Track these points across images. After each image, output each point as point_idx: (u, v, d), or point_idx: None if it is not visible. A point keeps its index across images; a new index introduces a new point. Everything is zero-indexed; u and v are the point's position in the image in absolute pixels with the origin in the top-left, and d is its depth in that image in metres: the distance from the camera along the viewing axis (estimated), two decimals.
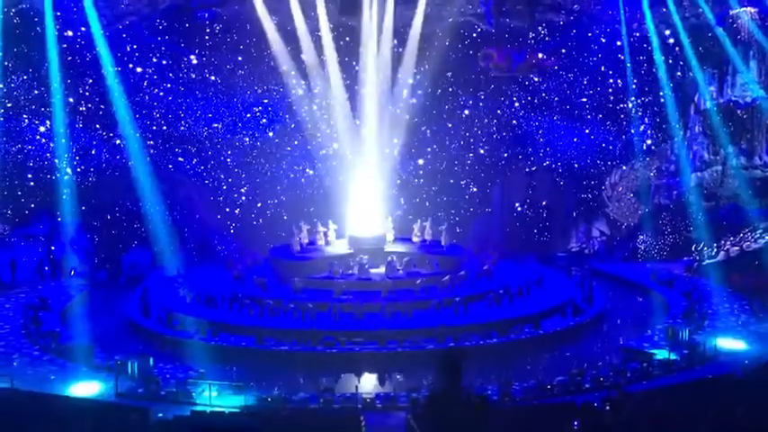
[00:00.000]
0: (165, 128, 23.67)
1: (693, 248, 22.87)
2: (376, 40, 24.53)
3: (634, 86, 24.35)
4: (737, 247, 22.20)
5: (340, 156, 24.97)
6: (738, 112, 24.56)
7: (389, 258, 19.44)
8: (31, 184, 22.18)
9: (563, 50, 24.63)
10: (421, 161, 25.13)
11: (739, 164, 24.44)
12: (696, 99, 24.81)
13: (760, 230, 22.61)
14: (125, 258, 22.81)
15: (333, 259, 19.68)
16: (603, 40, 24.48)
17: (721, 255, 22.30)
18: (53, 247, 22.54)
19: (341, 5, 24.19)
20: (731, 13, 24.29)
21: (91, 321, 17.89)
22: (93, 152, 22.77)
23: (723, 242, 22.63)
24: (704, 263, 21.96)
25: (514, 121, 24.93)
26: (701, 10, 23.74)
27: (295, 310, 16.90)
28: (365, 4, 23.99)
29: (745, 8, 24.27)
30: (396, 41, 24.52)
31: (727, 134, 24.18)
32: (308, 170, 24.83)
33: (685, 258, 22.76)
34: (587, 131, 24.69)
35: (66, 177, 22.06)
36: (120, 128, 22.46)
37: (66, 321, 17.83)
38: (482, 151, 25.05)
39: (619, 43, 24.23)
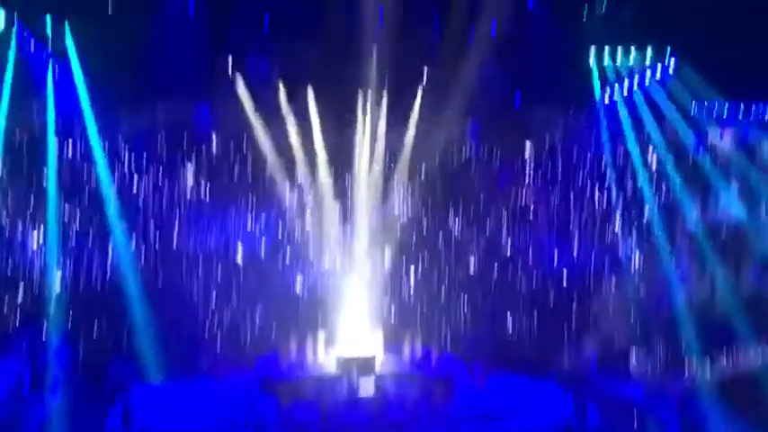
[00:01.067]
0: (157, 241, 23.79)
1: (687, 367, 22.62)
2: (368, 158, 25.44)
3: (619, 206, 24.89)
4: (732, 366, 21.96)
5: (330, 270, 25.20)
6: (723, 231, 25.09)
7: (379, 378, 19.08)
8: (17, 291, 22.13)
9: (549, 169, 25.34)
10: (411, 276, 25.19)
11: (727, 283, 24.63)
12: (681, 219, 25.35)
13: (753, 349, 22.46)
14: (109, 370, 22.25)
15: (321, 378, 19.32)
16: (589, 160, 25.31)
17: (716, 374, 22.02)
18: (35, 359, 22.02)
19: (335, 125, 25.01)
20: (710, 135, 25.37)
21: None
22: (83, 266, 22.81)
23: (717, 361, 22.41)
24: (698, 382, 21.65)
25: (504, 239, 25.22)
26: (681, 132, 24.77)
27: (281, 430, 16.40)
28: (359, 124, 25.12)
29: (723, 130, 25.35)
30: (388, 159, 25.44)
31: (714, 253, 24.58)
32: (297, 286, 24.80)
33: (679, 376, 22.46)
34: (576, 249, 24.99)
35: (53, 288, 22.01)
36: (112, 241, 22.66)
37: None
38: (472, 267, 25.17)
39: (603, 163, 25.01)
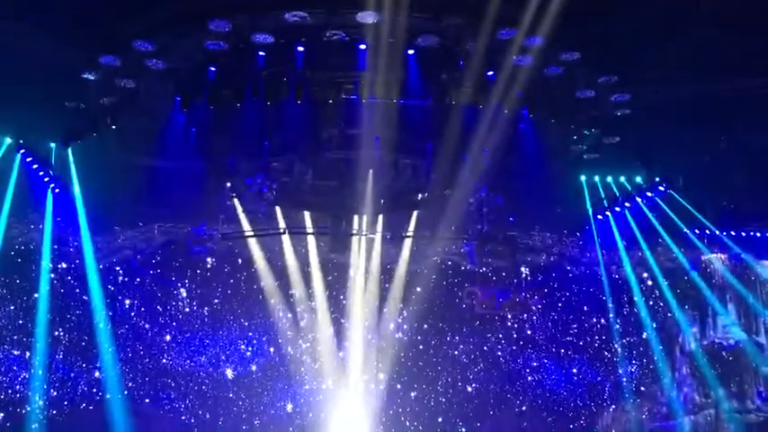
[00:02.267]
0: (146, 360, 23.28)
1: None
2: (363, 276, 25.44)
3: (618, 326, 24.66)
4: None
5: (323, 391, 24.51)
6: (723, 354, 24.76)
7: None
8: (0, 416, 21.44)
9: (545, 290, 25.31)
10: (408, 398, 24.48)
11: (732, 408, 24.01)
12: (680, 340, 25.08)
13: None
14: None
15: None
16: (585, 281, 25.34)
17: None
18: None
19: (331, 243, 25.23)
20: (703, 258, 25.58)
21: None
22: (69, 384, 22.22)
23: None
24: None
25: (502, 360, 24.77)
26: (674, 254, 24.98)
27: None
28: (354, 242, 25.33)
29: (716, 254, 25.59)
30: (383, 278, 25.39)
31: (716, 377, 24.12)
32: (288, 405, 24.07)
33: None
34: (575, 371, 24.51)
35: (36, 410, 21.31)
36: (100, 360, 22.20)
37: None
38: (470, 389, 24.55)
39: (599, 284, 25.00)
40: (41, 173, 21.30)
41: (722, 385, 24.04)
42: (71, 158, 21.88)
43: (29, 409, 21.41)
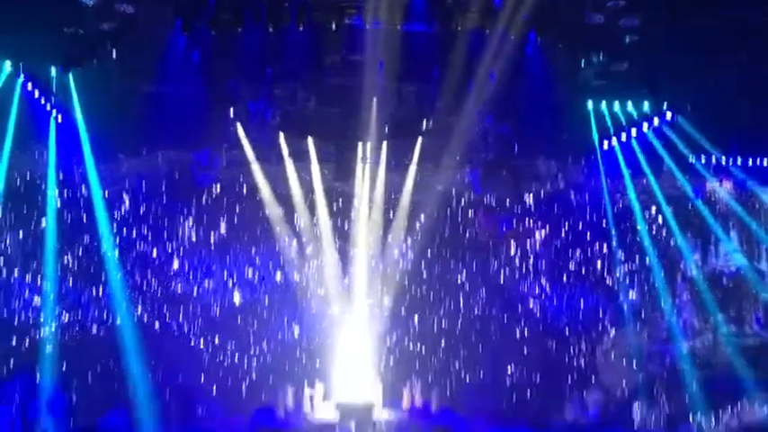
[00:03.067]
0: (155, 286, 23.67)
1: (691, 419, 22.25)
2: (368, 205, 25.50)
3: (620, 254, 24.81)
4: (736, 419, 21.60)
5: (329, 317, 25.05)
6: (724, 280, 25.06)
7: (377, 427, 18.79)
8: (13, 341, 21.99)
9: (549, 218, 25.34)
10: (411, 323, 24.99)
11: (730, 332, 24.47)
12: (682, 267, 25.32)
13: (757, 401, 22.14)
14: (102, 420, 21.91)
15: (319, 428, 18.99)
16: (588, 209, 25.40)
17: (720, 426, 21.66)
18: (27, 408, 21.69)
19: (335, 171, 25.26)
20: (708, 186, 25.55)
21: None
22: (79, 310, 22.69)
23: (721, 413, 22.06)
24: None
25: (504, 287, 25.07)
26: (679, 182, 24.95)
27: None
28: (359, 170, 25.35)
29: (720, 182, 25.55)
30: (387, 206, 25.51)
31: (716, 302, 24.49)
32: (295, 331, 24.61)
33: (683, 428, 22.09)
34: (577, 297, 24.83)
35: (49, 335, 21.86)
36: (109, 286, 22.60)
37: None
38: (472, 315, 25.00)
39: (603, 212, 25.07)
40: (43, 100, 21.06)
41: (721, 311, 24.42)
42: (72, 85, 21.62)
43: (41, 334, 21.88)
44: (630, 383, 24.18)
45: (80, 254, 23.14)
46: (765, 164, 25.52)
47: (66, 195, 22.80)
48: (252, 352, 24.00)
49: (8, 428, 21.14)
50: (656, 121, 24.41)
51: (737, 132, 24.60)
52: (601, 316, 24.74)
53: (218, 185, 24.60)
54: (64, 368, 21.80)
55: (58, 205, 22.44)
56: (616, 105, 24.61)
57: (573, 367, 24.49)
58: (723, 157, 24.65)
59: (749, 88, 23.16)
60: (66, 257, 22.84)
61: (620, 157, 25.11)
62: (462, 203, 25.62)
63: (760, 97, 23.26)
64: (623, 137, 24.82)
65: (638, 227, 24.84)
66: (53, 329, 22.01)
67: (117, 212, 23.42)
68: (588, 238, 25.24)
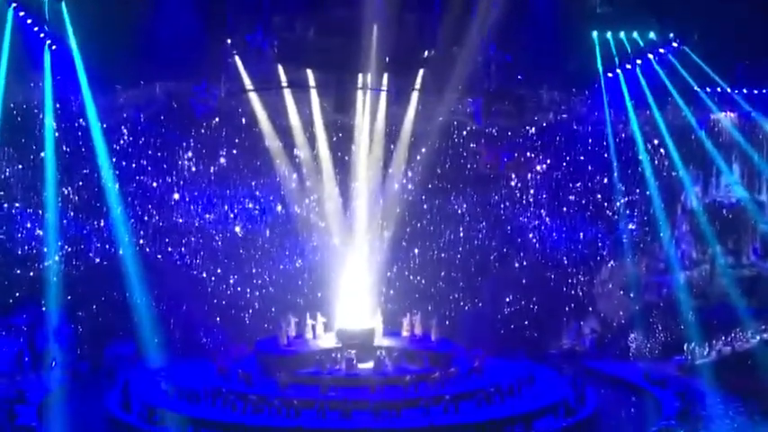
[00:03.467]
0: (156, 218, 23.74)
1: (685, 348, 22.69)
2: (368, 137, 25.31)
3: (620, 185, 24.76)
4: (729, 347, 22.05)
5: (330, 248, 25.23)
6: (724, 212, 25.14)
7: (378, 353, 19.14)
8: (18, 272, 22.23)
9: (550, 149, 25.20)
10: (411, 255, 25.18)
11: (727, 263, 24.74)
12: (682, 198, 25.38)
13: (751, 330, 22.54)
14: (108, 350, 22.38)
15: (320, 354, 19.34)
16: (590, 140, 25.21)
17: (713, 354, 22.10)
18: (35, 338, 22.10)
19: (335, 103, 24.93)
20: (712, 117, 25.31)
21: (69, 416, 17.32)
22: (82, 242, 22.80)
23: (714, 342, 22.49)
24: (696, 362, 21.73)
25: (504, 218, 25.10)
26: (683, 113, 24.69)
27: (280, 407, 16.43)
28: (359, 102, 25.01)
29: (724, 113, 25.29)
30: (387, 138, 25.33)
31: (714, 234, 24.63)
32: (297, 262, 24.82)
33: (677, 357, 22.54)
34: (576, 228, 24.90)
35: (53, 266, 22.07)
36: (111, 217, 22.67)
37: (43, 416, 17.19)
38: (472, 247, 25.15)
39: (605, 143, 24.91)
40: (36, 28, 20.53)
41: (720, 242, 24.61)
42: (65, 13, 21.05)
43: (45, 264, 22.04)
44: (627, 313, 24.75)
45: (80, 186, 23.07)
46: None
47: (63, 126, 22.55)
48: (254, 282, 24.32)
49: (17, 359, 21.58)
50: (661, 50, 24.11)
51: (744, 62, 24.23)
52: (600, 246, 24.91)
53: (217, 117, 24.31)
54: (69, 299, 21.99)
55: (57, 136, 22.21)
56: (621, 34, 24.24)
57: (571, 297, 24.87)
58: (729, 88, 24.38)
59: (757, 17, 22.62)
60: (66, 189, 22.80)
61: (624, 88, 24.80)
62: (464, 135, 25.38)
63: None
64: (628, 67, 24.57)
65: (640, 158, 24.77)
66: (57, 260, 22.16)
67: (116, 144, 23.21)
68: (589, 169, 25.15)
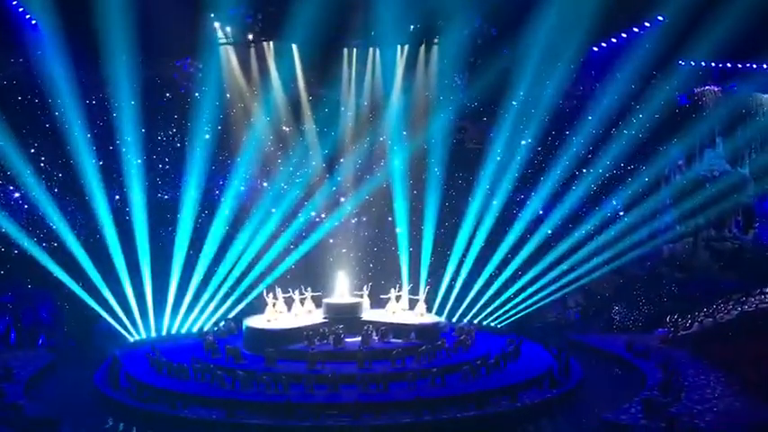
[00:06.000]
0: (144, 196, 23.36)
1: (668, 319, 22.99)
2: (354, 112, 25.30)
3: (605, 159, 24.85)
4: (711, 319, 22.34)
5: (317, 222, 25.24)
6: (707, 185, 25.37)
7: (365, 328, 19.24)
8: (2, 249, 22.06)
9: (535, 123, 25.11)
10: (398, 229, 25.19)
11: (710, 236, 25.03)
12: (666, 172, 25.56)
13: (732, 301, 22.85)
14: (95, 327, 22.32)
15: (308, 329, 19.41)
16: (575, 114, 25.18)
17: (696, 326, 22.39)
18: (21, 315, 21.99)
19: (320, 78, 24.74)
20: (696, 91, 25.39)
21: (58, 393, 17.33)
22: (67, 220, 22.62)
23: (697, 313, 22.78)
24: (679, 334, 22.04)
25: (490, 194, 25.06)
26: (668, 87, 24.75)
27: (268, 382, 16.54)
28: (344, 77, 24.89)
29: (709, 87, 25.38)
30: (374, 113, 25.32)
31: (697, 207, 24.87)
32: (283, 236, 24.74)
33: (660, 329, 22.83)
34: (564, 202, 24.94)
35: (38, 244, 22.00)
36: (95, 196, 22.52)
37: (31, 393, 17.22)
38: (457, 220, 25.19)
39: (590, 117, 24.88)
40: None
41: (702, 215, 24.86)
42: None
43: (30, 242, 21.98)
44: (611, 286, 25.03)
45: (63, 162, 22.83)
46: (755, 67, 25.51)
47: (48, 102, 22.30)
48: (242, 257, 24.15)
49: (3, 336, 21.48)
50: (647, 24, 24.07)
51: (727, 36, 24.22)
52: (585, 220, 24.98)
53: (201, 92, 24.02)
54: (55, 277, 21.88)
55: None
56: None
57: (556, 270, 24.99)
58: (712, 63, 24.40)
59: None
60: (50, 167, 22.62)
61: (609, 62, 24.82)
62: (449, 110, 25.28)
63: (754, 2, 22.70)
64: (613, 40, 24.51)
65: (624, 131, 24.89)
66: (42, 238, 22.03)
67: (100, 122, 22.95)
68: (573, 143, 25.12)
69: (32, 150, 22.35)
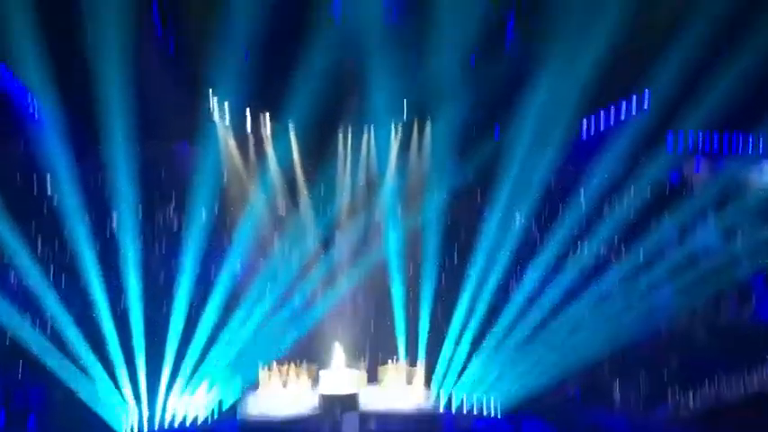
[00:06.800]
0: (137, 278, 23.15)
1: (670, 397, 22.80)
2: (350, 191, 25.55)
3: (599, 234, 24.94)
4: (714, 397, 22.13)
5: (312, 300, 25.11)
6: (702, 262, 25.19)
7: (362, 415, 18.99)
8: None
9: (527, 202, 25.38)
10: (395, 305, 25.09)
11: (707, 313, 24.92)
12: (660, 249, 25.54)
13: (735, 379, 22.70)
14: (88, 414, 21.96)
15: (303, 418, 19.13)
16: (566, 194, 25.45)
17: (699, 404, 22.11)
18: (11, 398, 21.62)
19: (316, 156, 25.08)
20: (686, 166, 25.72)
21: None
22: (63, 303, 22.48)
23: (700, 391, 22.57)
24: (682, 413, 21.73)
25: (486, 272, 24.80)
26: (657, 162, 24.91)
27: None
28: (340, 155, 25.21)
29: (698, 162, 25.73)
30: (369, 192, 25.48)
31: (693, 284, 24.77)
32: (281, 313, 24.61)
33: (662, 408, 22.58)
34: (558, 281, 24.61)
35: (30, 331, 21.75)
36: (89, 282, 22.39)
37: None
38: (454, 296, 24.73)
39: (580, 196, 25.15)
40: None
41: (698, 292, 24.86)
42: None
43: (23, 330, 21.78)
44: (610, 363, 24.80)
45: (58, 248, 22.87)
46: (741, 138, 25.95)
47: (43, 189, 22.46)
48: (238, 332, 23.81)
49: None
50: (633, 102, 24.64)
51: (714, 109, 24.73)
52: (579, 295, 24.89)
53: (198, 174, 24.24)
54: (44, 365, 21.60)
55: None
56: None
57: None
58: (699, 132, 24.84)
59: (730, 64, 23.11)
60: (47, 252, 22.65)
61: (598, 139, 25.27)
62: (443, 188, 25.54)
63: (737, 74, 23.28)
64: (601, 120, 25.03)
65: (616, 209, 25.09)
66: (36, 326, 21.85)
67: (96, 204, 23.08)
68: (566, 221, 25.30)
69: (29, 235, 22.39)
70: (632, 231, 25.11)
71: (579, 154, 25.60)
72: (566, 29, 23.11)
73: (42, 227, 22.51)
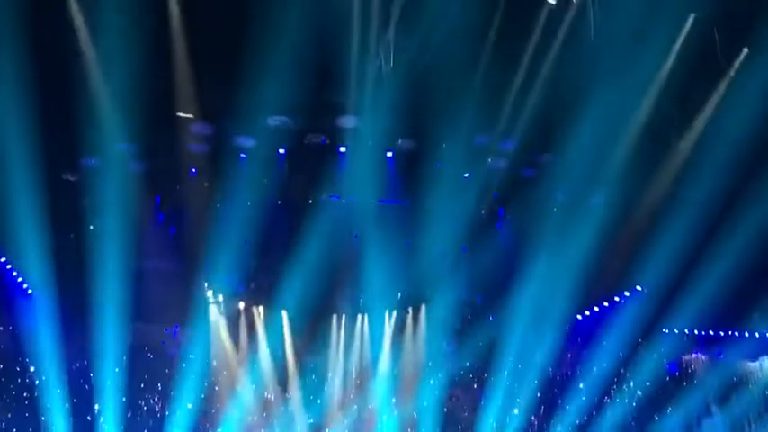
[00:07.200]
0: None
1: None
2: (342, 380, 24.99)
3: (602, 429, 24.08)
4: None
5: None
6: None
7: None
8: None
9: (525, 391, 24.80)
10: None
11: None
12: None
13: None
14: None
15: None
16: (562, 381, 24.95)
17: None
18: None
19: (309, 344, 24.78)
20: (683, 359, 25.40)
21: None
22: None
23: None
24: None
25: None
26: (655, 354, 24.62)
27: None
28: (332, 343, 24.91)
29: (696, 355, 25.48)
30: (362, 380, 24.69)
31: None
32: None
33: None
34: None
35: None
36: None
37: None
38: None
39: (578, 385, 24.54)
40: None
41: None
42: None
43: None
44: None
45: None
46: (737, 335, 25.85)
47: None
48: None
49: None
50: (626, 293, 24.87)
51: (710, 305, 24.89)
52: None
53: (188, 359, 23.84)
54: None
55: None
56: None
57: None
58: (695, 330, 24.80)
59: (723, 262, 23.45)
60: None
61: (594, 328, 25.17)
62: (439, 376, 25.02)
63: (731, 272, 23.56)
64: (596, 309, 25.13)
65: (617, 400, 24.44)
66: None
67: (87, 385, 22.47)
68: (566, 411, 24.56)
69: (5, 419, 21.54)
70: (633, 423, 24.26)
71: (575, 342, 25.38)
72: (552, 227, 24.14)
73: (19, 410, 21.68)
